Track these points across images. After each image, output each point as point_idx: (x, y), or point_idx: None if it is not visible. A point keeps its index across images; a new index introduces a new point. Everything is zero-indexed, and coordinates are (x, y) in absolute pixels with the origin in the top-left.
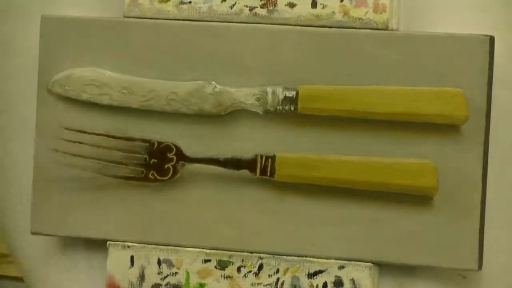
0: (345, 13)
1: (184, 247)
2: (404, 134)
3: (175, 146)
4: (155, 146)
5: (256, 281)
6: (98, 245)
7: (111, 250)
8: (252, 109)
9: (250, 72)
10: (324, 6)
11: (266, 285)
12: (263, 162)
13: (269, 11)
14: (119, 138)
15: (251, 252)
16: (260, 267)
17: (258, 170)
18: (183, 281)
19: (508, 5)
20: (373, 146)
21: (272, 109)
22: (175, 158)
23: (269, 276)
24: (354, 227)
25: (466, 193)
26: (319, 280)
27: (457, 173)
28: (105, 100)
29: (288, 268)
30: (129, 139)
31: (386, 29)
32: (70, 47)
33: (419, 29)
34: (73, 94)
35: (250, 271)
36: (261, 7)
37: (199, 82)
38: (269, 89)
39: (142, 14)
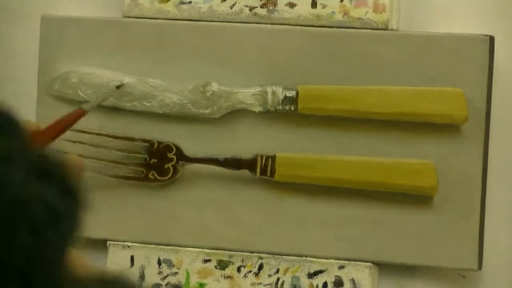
0: (345, 13)
1: (184, 247)
2: (404, 134)
3: (175, 146)
4: (155, 146)
5: (256, 281)
6: (98, 245)
7: (111, 250)
8: (252, 109)
9: (250, 72)
10: (324, 6)
11: (266, 285)
12: (263, 162)
13: (269, 11)
14: (119, 138)
15: (251, 252)
16: (260, 267)
17: (258, 170)
18: (183, 281)
19: (508, 5)
20: (373, 146)
21: (272, 109)
22: (175, 158)
23: (269, 276)
24: (354, 227)
25: (466, 193)
26: (319, 280)
27: (457, 173)
28: (104, 101)
29: (288, 268)
30: (129, 139)
31: (386, 29)
32: (70, 47)
33: (419, 29)
34: (73, 94)
35: (250, 271)
36: (261, 7)
37: (199, 82)
38: (269, 89)
39: (142, 14)
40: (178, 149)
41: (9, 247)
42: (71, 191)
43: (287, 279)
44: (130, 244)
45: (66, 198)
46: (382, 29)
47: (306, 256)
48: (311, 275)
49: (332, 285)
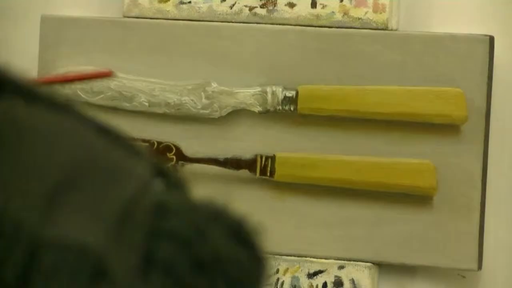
0: (345, 13)
1: None
2: (404, 134)
3: (175, 146)
4: (155, 146)
5: None
6: None
7: None
8: (252, 109)
9: (250, 72)
10: (324, 6)
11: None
12: (263, 162)
13: (269, 11)
14: None
15: None
16: None
17: (258, 170)
18: None
19: (508, 5)
20: (373, 146)
21: (272, 109)
22: (175, 158)
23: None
24: (354, 227)
25: (466, 193)
26: (319, 280)
27: (457, 173)
28: (104, 101)
29: (288, 268)
30: None
31: (386, 29)
32: (70, 47)
33: (419, 29)
34: (72, 93)
35: None
36: (261, 7)
37: (199, 82)
38: (269, 89)
39: (142, 14)
40: (178, 149)
41: None
42: (260, 259)
43: (287, 279)
44: None
45: (257, 264)
46: (382, 29)
47: (306, 256)
48: (311, 275)
49: (332, 285)
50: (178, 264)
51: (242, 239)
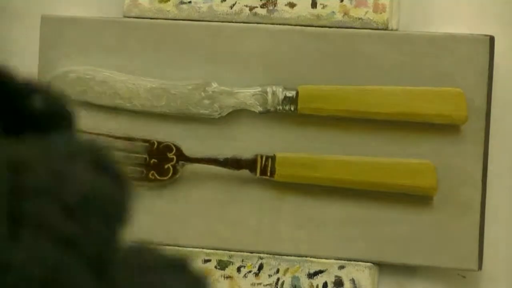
0: (345, 13)
1: (184, 247)
2: (404, 134)
3: (175, 146)
4: (155, 146)
5: (256, 281)
6: None
7: None
8: (252, 109)
9: (250, 72)
10: (324, 6)
11: (266, 285)
12: (263, 162)
13: (269, 11)
14: (119, 138)
15: (251, 252)
16: (260, 267)
17: (258, 170)
18: None
19: (508, 5)
20: (373, 146)
21: (272, 109)
22: (175, 158)
23: (269, 276)
24: (354, 227)
25: (466, 193)
26: (319, 280)
27: (457, 173)
28: (104, 101)
29: (288, 268)
30: (129, 139)
31: (386, 29)
32: (70, 47)
33: (419, 29)
34: (72, 93)
35: (250, 271)
36: (261, 7)
37: (199, 82)
38: (269, 89)
39: (142, 14)
40: (178, 149)
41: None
42: (123, 183)
43: (287, 279)
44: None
45: (121, 190)
46: (382, 29)
47: (306, 256)
48: (311, 275)
49: (332, 285)
50: (47, 214)
51: (103, 168)
